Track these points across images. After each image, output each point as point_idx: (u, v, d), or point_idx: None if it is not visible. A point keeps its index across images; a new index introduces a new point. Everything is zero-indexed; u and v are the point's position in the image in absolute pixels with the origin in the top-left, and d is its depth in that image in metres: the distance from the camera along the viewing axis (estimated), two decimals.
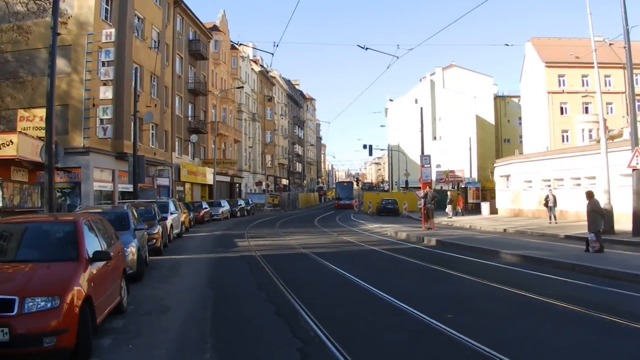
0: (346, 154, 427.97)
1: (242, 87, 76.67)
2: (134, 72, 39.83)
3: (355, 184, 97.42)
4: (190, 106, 60.82)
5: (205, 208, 47.89)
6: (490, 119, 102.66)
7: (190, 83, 60.25)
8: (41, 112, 31.25)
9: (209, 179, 62.06)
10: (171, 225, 27.20)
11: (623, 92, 65.23)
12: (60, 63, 33.11)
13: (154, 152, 46.65)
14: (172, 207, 29.44)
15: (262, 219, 52.66)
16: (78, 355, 7.45)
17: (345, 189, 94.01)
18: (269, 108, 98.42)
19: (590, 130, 67.66)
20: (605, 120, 28.95)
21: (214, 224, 45.18)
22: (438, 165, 73.98)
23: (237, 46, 62.53)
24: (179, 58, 56.28)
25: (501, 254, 19.47)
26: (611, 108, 68.91)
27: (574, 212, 35.40)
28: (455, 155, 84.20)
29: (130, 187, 37.66)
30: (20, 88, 31.36)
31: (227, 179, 72.32)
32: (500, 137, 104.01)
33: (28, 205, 27.73)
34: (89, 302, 7.85)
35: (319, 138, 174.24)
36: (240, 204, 62.05)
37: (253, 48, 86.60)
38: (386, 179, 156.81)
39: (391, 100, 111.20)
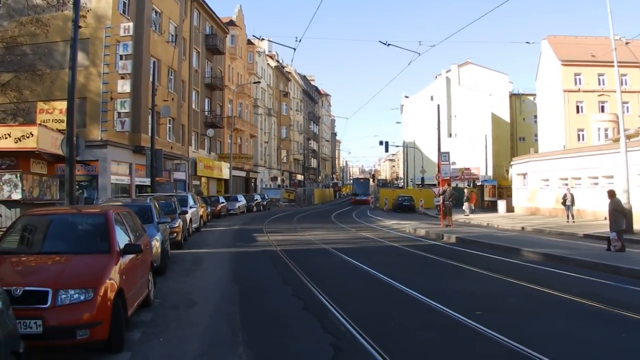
0: (361, 150, 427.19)
1: (259, 82, 76.71)
2: (151, 66, 39.79)
3: (371, 180, 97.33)
4: (206, 101, 60.82)
5: (222, 202, 47.77)
6: (506, 116, 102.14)
7: (207, 77, 60.24)
8: (60, 105, 31.33)
9: (225, 173, 62.07)
10: (190, 219, 27.07)
11: (639, 92, 64.80)
12: (79, 56, 32.29)
13: (171, 146, 46.60)
14: (191, 201, 29.35)
15: (279, 214, 52.66)
16: (110, 348, 7.37)
17: (362, 185, 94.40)
18: (285, 103, 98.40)
19: (606, 129, 67.17)
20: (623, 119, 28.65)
21: (231, 218, 45.12)
22: (453, 163, 73.32)
23: (257, 39, 62.10)
24: (195, 52, 56.24)
25: (522, 252, 19.36)
26: (627, 107, 67.97)
27: (591, 211, 35.32)
28: (470, 153, 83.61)
29: (147, 181, 37.64)
30: (39, 81, 31.42)
31: (243, 173, 72.33)
32: (515, 135, 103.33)
33: (47, 197, 27.68)
34: (121, 295, 7.75)
35: (334, 134, 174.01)
36: (257, 199, 62.03)
37: (270, 42, 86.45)
38: (400, 175, 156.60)
39: (406, 97, 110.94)
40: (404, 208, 58.47)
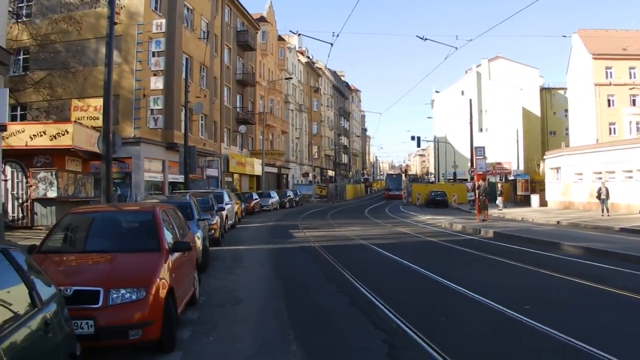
0: (392, 146, 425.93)
1: (291, 77, 76.80)
2: (184, 62, 39.84)
3: (403, 175, 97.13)
4: (238, 97, 60.88)
5: (256, 199, 47.78)
6: (536, 111, 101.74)
7: (239, 74, 60.26)
8: (95, 102, 31.50)
9: (257, 169, 62.08)
10: (226, 216, 26.97)
11: None
12: None
13: (204, 143, 46.71)
14: (226, 198, 29.30)
15: (312, 210, 52.44)
16: (162, 347, 7.21)
17: (395, 180, 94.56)
18: (315, 99, 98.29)
19: (637, 123, 66.99)
20: None
21: (264, 214, 45.03)
22: (485, 157, 72.99)
23: (292, 34, 62.15)
24: (227, 49, 56.29)
25: (562, 246, 19.07)
26: None
27: (625, 205, 35.23)
28: (501, 147, 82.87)
29: (180, 178, 37.74)
30: (72, 78, 31.57)
31: (275, 170, 72.35)
32: (546, 129, 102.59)
33: (82, 195, 27.86)
34: (172, 294, 7.60)
35: (364, 130, 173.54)
36: (289, 195, 62.01)
37: (305, 37, 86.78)
38: (431, 170, 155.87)
39: (437, 92, 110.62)
40: (437, 203, 57.96)
